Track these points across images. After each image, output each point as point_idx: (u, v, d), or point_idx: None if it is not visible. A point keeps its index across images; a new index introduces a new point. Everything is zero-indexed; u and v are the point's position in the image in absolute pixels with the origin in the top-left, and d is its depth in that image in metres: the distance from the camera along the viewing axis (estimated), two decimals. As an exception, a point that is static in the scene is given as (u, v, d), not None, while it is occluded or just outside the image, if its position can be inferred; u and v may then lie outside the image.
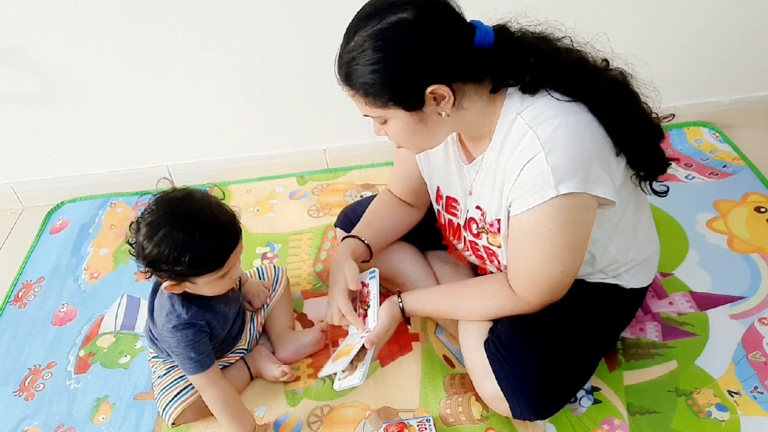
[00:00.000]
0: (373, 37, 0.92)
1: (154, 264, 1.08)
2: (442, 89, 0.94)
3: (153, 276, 1.13)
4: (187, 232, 1.06)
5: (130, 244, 1.11)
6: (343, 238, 1.33)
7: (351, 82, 0.96)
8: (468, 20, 0.97)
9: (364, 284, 1.25)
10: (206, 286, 1.14)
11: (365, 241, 1.30)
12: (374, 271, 1.25)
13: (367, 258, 1.31)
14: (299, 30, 1.70)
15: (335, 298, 1.22)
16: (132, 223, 1.12)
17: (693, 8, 1.70)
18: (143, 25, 1.69)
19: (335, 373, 1.20)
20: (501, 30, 0.97)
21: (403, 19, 0.91)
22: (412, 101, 0.95)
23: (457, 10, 0.96)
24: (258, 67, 1.78)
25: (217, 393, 1.19)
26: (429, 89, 0.93)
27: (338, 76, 0.98)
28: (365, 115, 1.01)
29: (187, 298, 1.17)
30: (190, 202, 1.09)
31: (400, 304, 1.21)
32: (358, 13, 0.96)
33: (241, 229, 1.14)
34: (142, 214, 1.10)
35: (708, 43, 1.77)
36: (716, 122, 1.90)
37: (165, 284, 1.13)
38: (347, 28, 0.96)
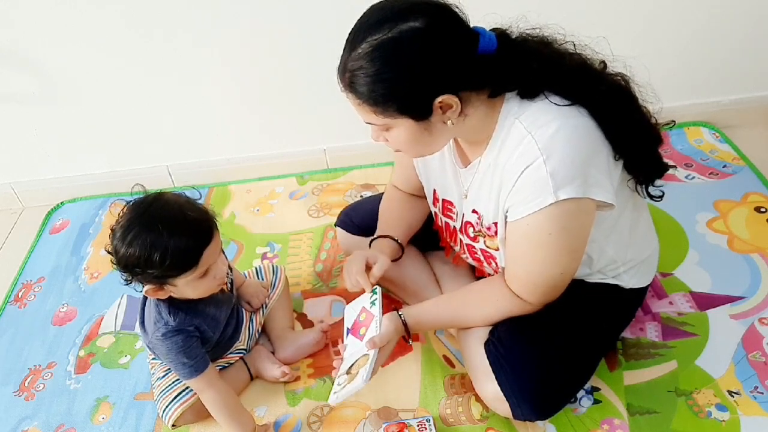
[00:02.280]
0: (383, 46, 0.89)
1: (128, 268, 1.08)
2: (451, 99, 0.92)
3: (133, 281, 1.11)
4: (155, 231, 1.05)
5: (109, 252, 1.11)
6: (371, 242, 1.30)
7: (357, 90, 0.93)
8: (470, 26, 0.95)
9: (363, 308, 1.20)
10: (187, 287, 1.12)
11: (396, 239, 1.29)
12: (376, 290, 1.20)
13: (398, 255, 1.30)
14: (299, 30, 1.70)
15: (352, 263, 1.21)
16: (110, 230, 1.11)
17: (693, 8, 1.70)
18: (143, 25, 1.69)
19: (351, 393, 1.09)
20: (502, 35, 0.96)
21: (414, 28, 0.88)
22: (420, 111, 0.94)
23: (461, 16, 0.94)
24: (258, 67, 1.78)
25: (215, 395, 1.19)
26: (438, 99, 0.92)
27: (341, 83, 0.96)
28: (368, 123, 0.99)
29: (173, 305, 1.17)
30: (159, 204, 1.09)
31: (402, 317, 1.15)
32: (363, 19, 0.93)
33: (215, 226, 1.12)
34: (117, 219, 1.10)
35: (708, 43, 1.77)
36: (716, 122, 1.90)
37: (146, 289, 1.12)
38: (352, 34, 0.93)
